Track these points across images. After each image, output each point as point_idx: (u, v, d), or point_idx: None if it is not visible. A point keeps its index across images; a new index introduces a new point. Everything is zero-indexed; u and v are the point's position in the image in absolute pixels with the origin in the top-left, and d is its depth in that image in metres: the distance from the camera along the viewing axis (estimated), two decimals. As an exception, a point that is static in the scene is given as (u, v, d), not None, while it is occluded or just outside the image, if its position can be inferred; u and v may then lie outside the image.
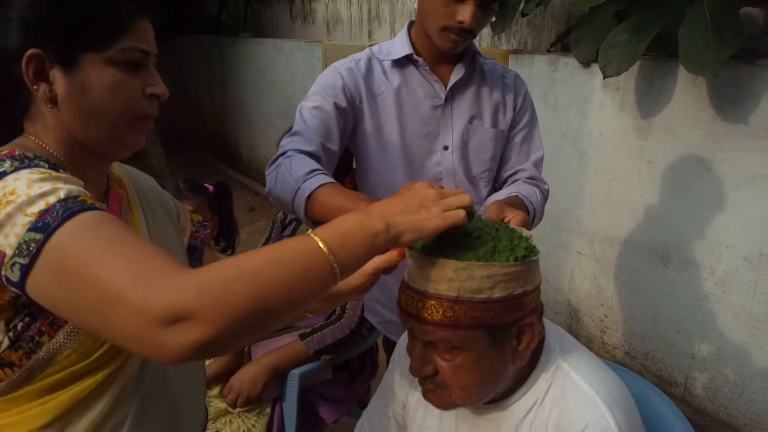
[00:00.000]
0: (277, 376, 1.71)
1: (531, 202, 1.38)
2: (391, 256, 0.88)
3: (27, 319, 0.76)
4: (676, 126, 2.21)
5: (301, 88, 4.64)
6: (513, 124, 1.49)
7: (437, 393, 0.94)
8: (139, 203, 0.98)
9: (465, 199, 0.82)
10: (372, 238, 0.74)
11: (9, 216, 0.67)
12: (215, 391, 1.70)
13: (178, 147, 7.06)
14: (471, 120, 1.44)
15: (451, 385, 0.92)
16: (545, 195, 1.48)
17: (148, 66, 0.85)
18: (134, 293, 0.63)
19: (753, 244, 2.06)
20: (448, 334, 0.87)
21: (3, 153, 0.75)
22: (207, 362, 1.71)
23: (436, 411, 1.07)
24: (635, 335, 2.53)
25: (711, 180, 2.13)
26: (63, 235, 0.66)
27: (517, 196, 1.37)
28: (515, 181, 1.50)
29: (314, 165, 1.24)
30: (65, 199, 0.69)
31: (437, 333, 0.87)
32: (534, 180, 1.49)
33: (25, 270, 0.67)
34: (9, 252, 0.67)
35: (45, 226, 0.67)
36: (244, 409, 1.68)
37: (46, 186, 0.70)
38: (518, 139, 1.50)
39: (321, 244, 0.70)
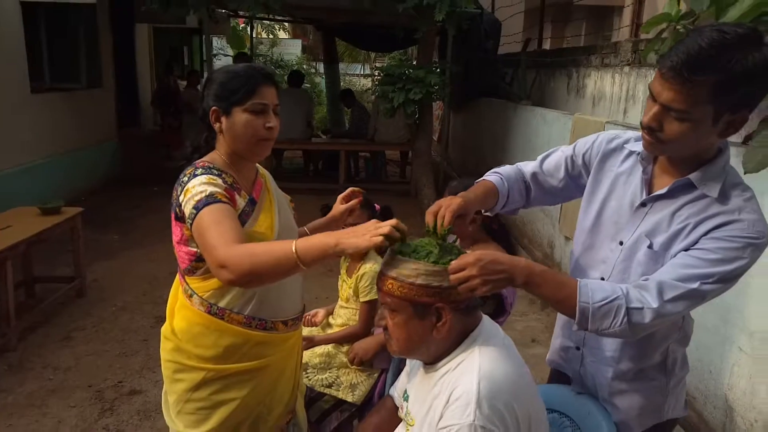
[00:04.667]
0: (387, 352, 2.29)
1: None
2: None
3: None
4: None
5: (553, 153, 5.06)
6: (687, 246, 1.36)
7: (389, 342, 1.46)
8: (273, 190, 1.75)
9: (385, 229, 1.26)
10: (324, 249, 1.29)
11: (188, 200, 1.49)
12: (345, 348, 2.39)
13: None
14: (647, 234, 1.43)
15: (392, 336, 1.42)
16: (629, 314, 1.30)
17: (268, 111, 1.59)
18: (215, 248, 1.38)
19: None
20: (388, 299, 1.39)
21: (199, 164, 1.57)
22: (342, 326, 2.43)
23: (416, 367, 1.56)
24: (779, 448, 2.35)
25: None
26: (202, 213, 1.46)
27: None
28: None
29: (507, 171, 1.71)
30: (207, 195, 1.48)
31: (384, 298, 1.40)
32: (641, 289, 1.32)
33: (190, 226, 1.47)
34: (187, 216, 1.48)
35: (197, 207, 1.47)
36: (359, 368, 2.33)
37: (204, 187, 1.49)
38: (678, 255, 1.36)
39: (293, 248, 1.30)
